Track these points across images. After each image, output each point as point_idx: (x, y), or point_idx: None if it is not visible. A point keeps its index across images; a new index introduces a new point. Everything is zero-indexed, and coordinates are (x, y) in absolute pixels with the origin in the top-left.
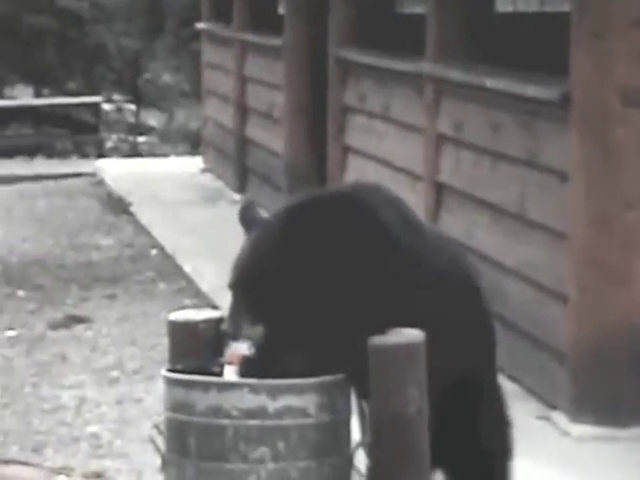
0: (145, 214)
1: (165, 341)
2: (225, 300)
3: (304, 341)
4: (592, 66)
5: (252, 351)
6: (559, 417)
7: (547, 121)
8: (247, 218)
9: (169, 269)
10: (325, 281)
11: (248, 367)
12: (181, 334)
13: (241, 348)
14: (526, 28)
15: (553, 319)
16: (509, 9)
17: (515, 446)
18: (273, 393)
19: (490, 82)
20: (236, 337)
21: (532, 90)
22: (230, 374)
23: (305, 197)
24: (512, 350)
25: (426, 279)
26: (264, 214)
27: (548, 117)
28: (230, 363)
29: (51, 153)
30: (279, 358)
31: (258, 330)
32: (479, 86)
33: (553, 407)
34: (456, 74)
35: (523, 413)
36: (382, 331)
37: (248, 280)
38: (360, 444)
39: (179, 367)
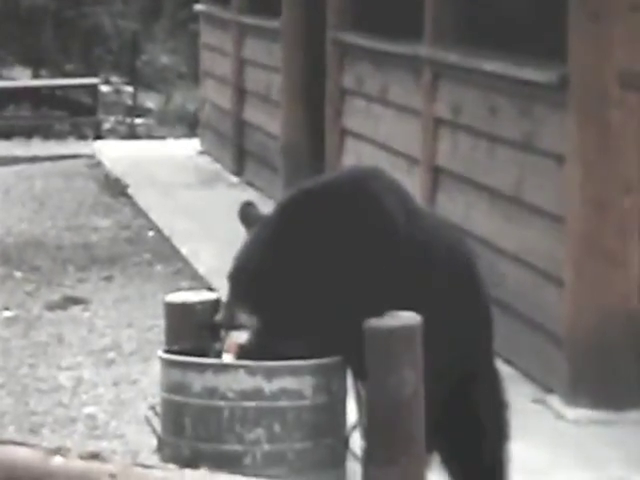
0: (142, 196)
1: (162, 323)
2: (222, 282)
3: (302, 327)
4: (591, 49)
5: (249, 340)
6: (555, 400)
7: (545, 104)
8: (247, 216)
9: (166, 251)
10: (324, 266)
11: (245, 356)
12: (178, 316)
13: (240, 337)
14: (525, 11)
15: (550, 302)
16: None
17: (511, 429)
18: (269, 375)
19: (488, 65)
20: (230, 327)
21: (530, 73)
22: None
23: (306, 184)
24: (508, 333)
25: (424, 264)
26: (264, 212)
27: (546, 100)
28: (228, 351)
29: (49, 134)
30: (276, 346)
31: (254, 319)
32: (477, 69)
33: (549, 390)
34: (454, 57)
35: (519, 396)
36: (380, 315)
37: (245, 271)
38: (356, 425)
39: (175, 348)
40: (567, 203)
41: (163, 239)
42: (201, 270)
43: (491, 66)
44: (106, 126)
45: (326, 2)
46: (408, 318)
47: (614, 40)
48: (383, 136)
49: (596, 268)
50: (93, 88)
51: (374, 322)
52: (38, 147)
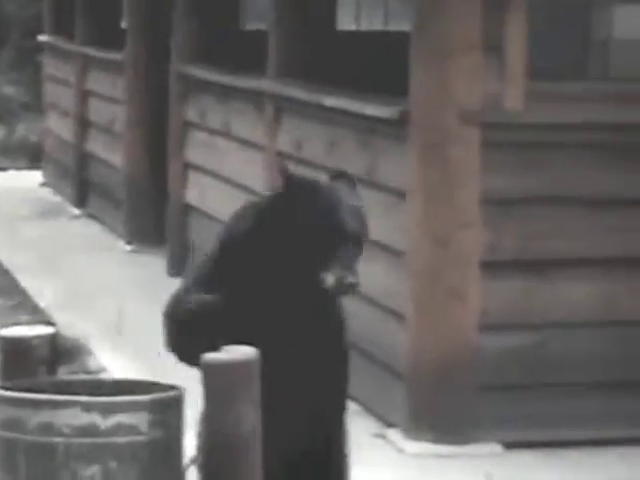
0: None
1: None
2: (62, 316)
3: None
4: (431, 85)
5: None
6: (395, 434)
7: (385, 140)
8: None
9: (5, 284)
10: None
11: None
12: (13, 350)
13: None
14: (369, 47)
15: (391, 337)
16: (352, 27)
17: (351, 465)
18: (105, 411)
19: (329, 100)
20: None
21: (370, 108)
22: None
23: None
24: (351, 368)
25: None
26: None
27: (386, 136)
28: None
29: None
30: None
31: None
32: (318, 104)
33: (390, 425)
34: (296, 92)
35: (360, 430)
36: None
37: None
38: (193, 461)
39: (10, 384)
40: (408, 238)
41: (2, 272)
42: (41, 303)
43: (332, 101)
44: None
45: (170, 35)
46: (245, 352)
47: (454, 76)
48: (227, 170)
49: (437, 303)
50: None
51: (210, 356)
52: None
